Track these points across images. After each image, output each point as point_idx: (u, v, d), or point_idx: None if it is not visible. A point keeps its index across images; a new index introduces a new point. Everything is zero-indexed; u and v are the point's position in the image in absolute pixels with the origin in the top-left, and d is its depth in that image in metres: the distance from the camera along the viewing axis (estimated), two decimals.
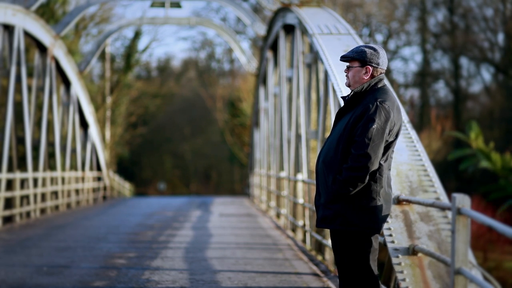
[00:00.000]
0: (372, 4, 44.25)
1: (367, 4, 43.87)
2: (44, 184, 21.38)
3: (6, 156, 18.11)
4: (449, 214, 6.42)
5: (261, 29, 26.13)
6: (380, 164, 5.08)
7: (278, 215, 18.52)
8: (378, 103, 5.07)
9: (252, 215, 20.62)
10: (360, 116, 5.07)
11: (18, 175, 18.41)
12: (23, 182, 19.85)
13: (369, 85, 5.20)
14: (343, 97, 5.33)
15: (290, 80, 19.01)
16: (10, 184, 20.15)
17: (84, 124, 27.53)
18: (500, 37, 43.87)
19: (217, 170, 57.03)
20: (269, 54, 22.84)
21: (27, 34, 20.99)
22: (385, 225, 6.29)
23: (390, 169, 5.20)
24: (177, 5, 28.09)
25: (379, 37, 45.50)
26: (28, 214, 19.62)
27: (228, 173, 55.91)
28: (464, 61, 45.77)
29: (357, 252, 5.12)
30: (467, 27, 44.08)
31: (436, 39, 45.33)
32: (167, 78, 56.97)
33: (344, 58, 5.30)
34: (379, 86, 5.21)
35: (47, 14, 32.04)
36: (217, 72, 55.84)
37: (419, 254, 6.06)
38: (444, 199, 6.82)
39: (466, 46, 43.47)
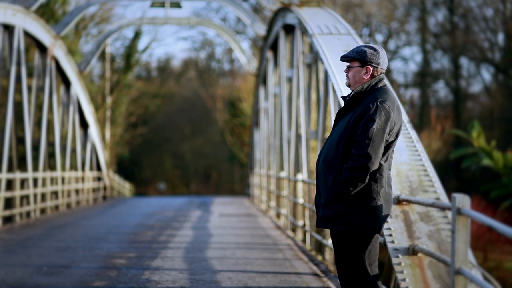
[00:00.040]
0: (372, 4, 44.26)
1: (367, 4, 43.87)
2: (44, 184, 21.38)
3: (6, 156, 18.11)
4: (449, 214, 6.42)
5: (261, 29, 26.13)
6: (380, 164, 5.08)
7: (278, 215, 18.52)
8: (379, 103, 5.07)
9: (252, 215, 20.62)
10: (360, 116, 5.07)
11: (18, 175, 18.41)
12: (23, 182, 19.85)
13: (369, 85, 5.20)
14: (343, 97, 5.33)
15: (290, 80, 19.01)
16: (10, 184, 20.15)
17: (84, 124, 27.53)
18: (500, 37, 43.91)
19: (217, 170, 57.03)
20: (269, 54, 22.84)
21: (27, 34, 20.99)
22: (385, 225, 6.29)
23: (390, 169, 5.20)
24: (177, 5, 28.10)
25: (379, 37, 45.53)
26: (28, 214, 19.62)
27: (228, 173, 55.91)
28: (464, 61, 45.81)
29: (357, 252, 5.12)
30: (467, 27, 44.08)
31: (436, 39, 45.34)
32: (167, 78, 56.98)
33: (344, 58, 5.30)
34: (379, 86, 5.21)
35: (47, 14, 32.04)
36: (217, 72, 55.85)
37: (419, 254, 6.06)
38: (444, 199, 6.82)
39: (466, 46, 43.48)
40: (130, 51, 41.96)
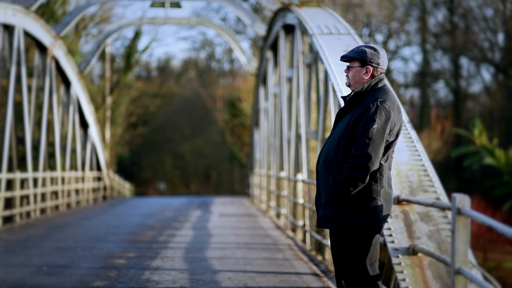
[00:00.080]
0: (372, 4, 44.26)
1: (367, 4, 43.87)
2: (44, 184, 21.38)
3: (6, 156, 18.11)
4: (449, 214, 6.42)
5: (261, 29, 26.13)
6: (380, 164, 5.08)
7: (278, 215, 18.52)
8: (379, 103, 5.07)
9: (252, 215, 20.62)
10: (360, 116, 5.07)
11: (18, 175, 18.41)
12: (23, 182, 19.85)
13: (370, 85, 5.20)
14: (343, 97, 5.33)
15: (290, 80, 19.01)
16: (10, 184, 20.15)
17: (84, 124, 27.53)
18: (500, 37, 43.90)
19: (217, 170, 57.04)
20: (269, 54, 22.84)
21: (27, 34, 20.99)
22: (385, 225, 6.29)
23: (390, 169, 5.20)
24: (177, 5, 28.09)
25: (379, 37, 45.53)
26: (28, 214, 19.62)
27: (228, 173, 55.91)
28: (464, 61, 45.81)
29: (357, 252, 5.12)
30: (467, 27, 44.08)
31: (436, 39, 45.34)
32: (167, 78, 56.98)
33: (344, 58, 5.30)
34: (379, 86, 5.21)
35: (47, 14, 32.04)
36: (217, 72, 55.85)
37: (419, 254, 6.06)
38: (444, 199, 6.82)
39: (466, 46, 43.48)
40: (130, 51, 41.96)
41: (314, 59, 14.41)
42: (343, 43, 11.71)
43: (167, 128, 57.15)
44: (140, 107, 47.02)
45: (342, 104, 5.65)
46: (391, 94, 5.19)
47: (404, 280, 5.88)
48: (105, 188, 31.11)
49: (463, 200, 4.83)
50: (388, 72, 40.12)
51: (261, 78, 25.67)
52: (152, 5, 28.24)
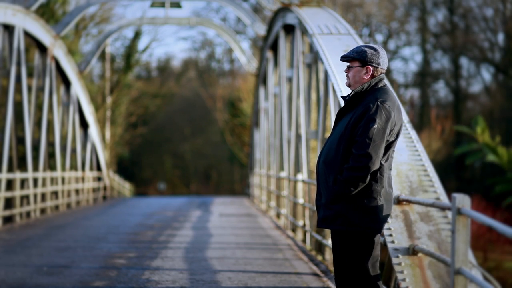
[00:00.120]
0: (372, 4, 44.25)
1: (367, 4, 43.87)
2: (44, 184, 21.38)
3: (6, 156, 18.11)
4: (449, 214, 6.42)
5: (261, 29, 26.13)
6: (381, 164, 5.08)
7: (278, 215, 18.52)
8: (379, 103, 5.07)
9: (252, 215, 20.62)
10: (360, 116, 5.07)
11: (18, 175, 18.41)
12: (23, 182, 19.85)
13: (370, 85, 5.20)
14: (343, 97, 5.33)
15: (290, 80, 19.00)
16: (10, 184, 20.15)
17: (84, 124, 27.53)
18: (500, 37, 43.90)
19: (217, 170, 57.04)
20: (269, 54, 22.84)
21: (27, 34, 20.98)
22: (385, 225, 6.29)
23: (391, 169, 5.21)
24: (177, 5, 28.09)
25: (379, 37, 45.53)
26: (28, 214, 19.62)
27: (228, 173, 55.91)
28: (464, 61, 45.81)
29: (358, 252, 5.12)
30: (467, 27, 44.08)
31: (436, 39, 45.34)
32: (167, 78, 56.97)
33: (344, 58, 5.30)
34: (379, 86, 5.21)
35: (47, 14, 32.04)
36: (217, 72, 55.85)
37: (419, 254, 6.06)
38: (444, 199, 6.82)
39: (466, 46, 43.48)
40: (130, 51, 41.96)
41: (314, 59, 14.41)
42: (343, 43, 11.71)
43: (167, 128, 57.15)
44: (140, 107, 47.02)
45: (342, 104, 5.65)
46: (391, 94, 5.19)
47: (404, 280, 5.88)
48: (105, 188, 31.11)
49: (463, 200, 4.83)
50: (388, 72, 40.12)
51: (261, 78, 25.67)
52: (152, 5, 28.24)
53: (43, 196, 21.36)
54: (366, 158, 4.99)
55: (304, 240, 13.65)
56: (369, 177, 5.03)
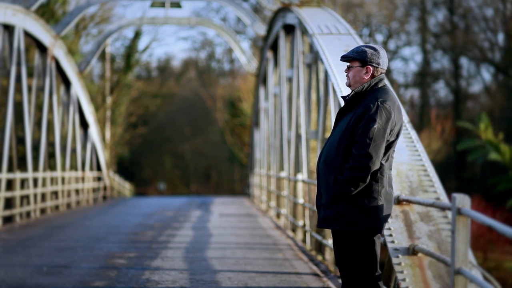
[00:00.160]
0: (372, 4, 44.25)
1: (367, 4, 43.87)
2: (44, 184, 21.38)
3: (6, 156, 18.11)
4: (449, 214, 6.42)
5: (261, 29, 26.13)
6: (381, 164, 5.08)
7: (278, 215, 18.52)
8: (379, 103, 5.07)
9: (252, 215, 20.62)
10: (361, 116, 5.07)
11: (18, 175, 18.41)
12: (23, 182, 19.85)
13: (370, 85, 5.20)
14: (343, 97, 5.33)
15: (290, 80, 19.00)
16: (10, 184, 20.15)
17: (84, 124, 27.53)
18: (500, 37, 43.90)
19: (217, 170, 57.04)
20: (269, 54, 22.84)
21: (27, 34, 20.98)
22: (385, 225, 6.29)
23: (391, 169, 5.21)
24: (177, 5, 28.09)
25: (379, 37, 45.53)
26: (28, 214, 19.62)
27: (228, 173, 55.91)
28: (464, 61, 45.80)
29: (358, 252, 5.12)
30: (467, 27, 44.08)
31: (436, 39, 45.34)
32: (167, 78, 56.96)
33: (344, 58, 5.30)
34: (379, 86, 5.21)
35: (47, 14, 32.04)
36: (217, 72, 55.85)
37: (419, 254, 6.06)
38: (444, 199, 6.82)
39: (466, 46, 43.48)
40: (130, 51, 41.96)
41: (314, 59, 14.41)
42: (343, 43, 11.71)
43: (167, 128, 57.15)
44: (140, 107, 47.02)
45: (342, 104, 5.65)
46: (391, 94, 5.19)
47: (404, 280, 5.88)
48: (105, 188, 31.11)
49: (463, 200, 4.83)
50: (388, 72, 40.10)
51: (261, 78, 25.67)
52: (152, 5, 28.24)
53: (43, 196, 21.36)
54: (367, 158, 4.99)
55: (304, 240, 13.65)
56: (369, 177, 5.03)
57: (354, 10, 43.05)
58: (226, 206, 24.98)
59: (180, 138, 57.55)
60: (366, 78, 5.21)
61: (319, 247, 11.93)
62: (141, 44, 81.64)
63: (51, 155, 24.51)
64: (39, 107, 23.71)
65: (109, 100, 39.36)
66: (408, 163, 7.28)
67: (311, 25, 13.02)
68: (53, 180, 22.50)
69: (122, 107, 42.94)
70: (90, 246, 12.46)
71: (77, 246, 12.40)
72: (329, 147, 5.21)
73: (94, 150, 28.91)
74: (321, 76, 12.93)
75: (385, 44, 44.89)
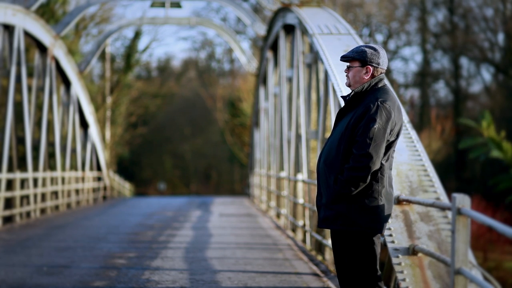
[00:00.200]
0: (372, 4, 44.25)
1: (367, 4, 43.87)
2: (44, 184, 21.38)
3: (6, 156, 18.11)
4: (449, 214, 6.42)
5: (261, 29, 26.13)
6: (381, 163, 5.08)
7: (278, 215, 18.52)
8: (379, 103, 5.07)
9: (252, 215, 20.62)
10: (361, 116, 5.07)
11: (18, 175, 18.41)
12: (23, 182, 19.85)
13: (370, 85, 5.20)
14: (343, 97, 5.33)
15: (290, 80, 19.00)
16: (10, 184, 20.15)
17: (84, 124, 27.53)
18: (500, 37, 43.90)
19: (217, 170, 57.03)
20: (269, 54, 22.84)
21: (27, 34, 20.98)
22: (386, 225, 6.29)
23: (391, 169, 5.21)
24: (177, 5, 28.09)
25: (379, 37, 45.53)
26: (28, 214, 19.62)
27: (228, 173, 55.91)
28: (464, 61, 45.80)
29: (358, 252, 5.12)
30: (467, 27, 44.08)
31: (436, 39, 45.34)
32: (167, 78, 56.96)
33: (344, 58, 5.30)
34: (379, 86, 5.21)
35: (47, 14, 32.04)
36: (217, 72, 55.85)
37: (419, 254, 6.06)
38: (444, 199, 6.82)
39: (466, 46, 43.48)
40: (130, 51, 41.96)
41: (314, 59, 14.41)
42: (343, 43, 11.71)
43: (167, 128, 57.15)
44: (140, 107, 47.02)
45: (342, 104, 5.65)
46: (391, 94, 5.19)
47: (404, 280, 5.88)
48: (105, 188, 31.11)
49: (463, 200, 4.83)
50: (388, 72, 40.11)
51: (261, 78, 25.67)
52: (152, 5, 28.24)
53: (43, 196, 21.36)
54: (367, 158, 4.99)
55: (304, 240, 13.65)
56: (369, 177, 5.03)
57: (354, 10, 43.05)
58: (226, 206, 24.98)
59: (180, 138, 57.55)
60: (366, 78, 5.21)
61: (319, 247, 11.93)
62: (141, 44, 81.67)
63: (51, 155, 24.51)
64: (39, 107, 23.71)
65: (109, 100, 39.36)
66: (408, 163, 7.28)
67: (311, 25, 13.02)
68: (53, 180, 22.50)
69: (122, 107, 42.94)
70: (90, 246, 12.46)
71: (77, 246, 12.40)
72: (329, 147, 5.21)
73: (94, 150, 28.91)
74: (321, 76, 12.93)
75: (385, 44, 44.89)
